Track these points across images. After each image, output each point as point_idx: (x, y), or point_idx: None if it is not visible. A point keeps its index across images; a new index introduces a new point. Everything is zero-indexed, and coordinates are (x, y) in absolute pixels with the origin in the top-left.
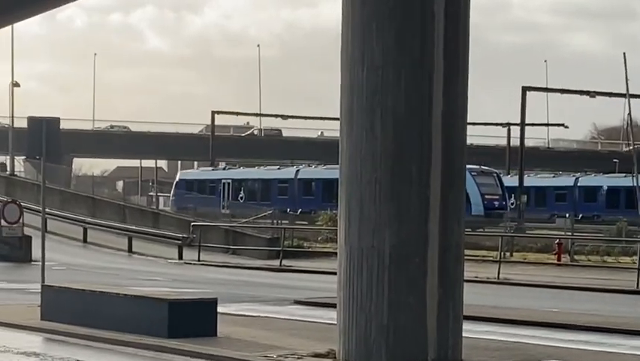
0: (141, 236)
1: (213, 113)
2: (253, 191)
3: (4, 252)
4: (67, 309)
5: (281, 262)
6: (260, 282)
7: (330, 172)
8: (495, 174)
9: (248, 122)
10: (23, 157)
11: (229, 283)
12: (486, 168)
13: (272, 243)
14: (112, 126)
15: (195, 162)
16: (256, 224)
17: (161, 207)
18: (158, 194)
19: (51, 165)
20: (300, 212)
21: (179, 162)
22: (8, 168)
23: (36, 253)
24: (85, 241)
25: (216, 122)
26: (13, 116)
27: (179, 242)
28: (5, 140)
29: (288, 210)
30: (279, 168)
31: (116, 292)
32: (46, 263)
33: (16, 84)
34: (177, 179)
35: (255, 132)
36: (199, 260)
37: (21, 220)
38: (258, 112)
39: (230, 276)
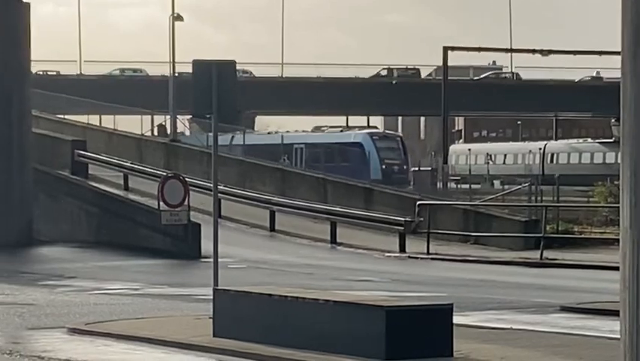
0: (348, 221)
1: (445, 49)
2: None
3: (165, 245)
4: (249, 321)
5: (542, 253)
6: (513, 282)
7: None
8: (398, 139)
9: (494, 62)
10: (189, 117)
11: (470, 284)
12: (390, 132)
13: (529, 228)
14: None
15: (422, 118)
16: (507, 202)
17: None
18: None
19: (226, 127)
20: None
21: (399, 117)
22: (169, 132)
23: (207, 246)
24: (272, 228)
25: (450, 63)
26: (173, 62)
27: (401, 228)
28: (162, 93)
29: None
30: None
31: (314, 298)
32: (220, 260)
33: (178, 17)
34: None
35: (506, 75)
36: (428, 253)
37: (186, 202)
38: (508, 47)
39: (471, 274)
